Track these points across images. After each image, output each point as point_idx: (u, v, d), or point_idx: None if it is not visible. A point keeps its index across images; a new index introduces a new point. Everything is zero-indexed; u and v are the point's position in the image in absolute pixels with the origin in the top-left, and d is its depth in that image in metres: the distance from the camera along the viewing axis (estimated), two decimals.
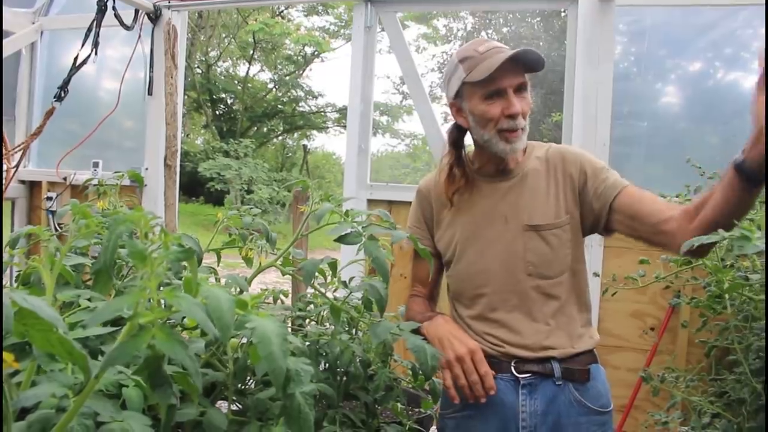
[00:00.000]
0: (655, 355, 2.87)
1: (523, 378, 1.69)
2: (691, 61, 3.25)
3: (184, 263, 1.32)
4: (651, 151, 3.20)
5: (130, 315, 0.60)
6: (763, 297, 1.56)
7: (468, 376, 1.58)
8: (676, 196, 1.97)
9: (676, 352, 2.89)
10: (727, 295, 1.74)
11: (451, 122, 1.82)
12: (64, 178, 4.19)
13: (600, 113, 3.04)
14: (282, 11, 22.43)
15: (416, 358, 1.28)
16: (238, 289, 1.25)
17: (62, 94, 3.65)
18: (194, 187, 20.57)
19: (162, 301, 0.66)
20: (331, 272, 1.51)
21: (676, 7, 3.17)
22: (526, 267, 1.71)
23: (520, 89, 1.66)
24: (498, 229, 1.75)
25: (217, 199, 19.22)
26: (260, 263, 1.44)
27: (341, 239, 1.23)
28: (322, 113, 24.79)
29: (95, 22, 3.64)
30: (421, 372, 1.33)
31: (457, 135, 1.82)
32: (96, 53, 3.66)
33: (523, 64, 1.64)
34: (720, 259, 1.69)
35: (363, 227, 1.24)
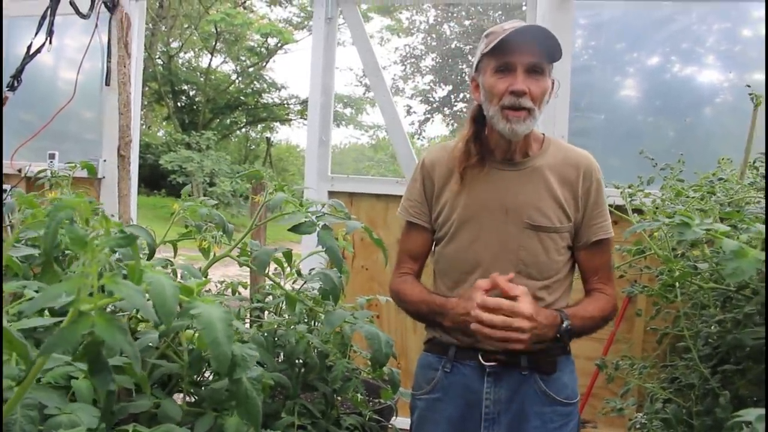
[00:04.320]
0: (613, 343, 2.91)
1: (489, 366, 1.70)
2: (649, 54, 3.31)
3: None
4: (608, 143, 3.24)
5: (70, 302, 0.60)
6: (712, 285, 1.61)
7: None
8: (629, 187, 2.00)
9: (633, 341, 2.94)
10: (677, 284, 1.78)
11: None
12: (19, 170, 4.09)
13: (558, 106, 3.07)
14: (245, 1, 22.20)
15: (370, 345, 1.28)
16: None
17: (15, 84, 3.55)
18: (156, 179, 20.24)
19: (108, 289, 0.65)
20: (287, 263, 1.50)
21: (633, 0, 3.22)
22: (517, 265, 1.70)
23: (534, 71, 1.64)
24: (496, 220, 1.72)
25: (179, 191, 18.85)
26: (214, 254, 1.42)
27: (295, 229, 1.23)
28: (286, 105, 24.60)
29: (49, 10, 3.55)
30: (375, 359, 1.33)
31: (477, 111, 1.79)
32: (50, 42, 3.57)
33: (542, 48, 1.63)
34: (671, 249, 1.73)
35: (317, 217, 1.24)
